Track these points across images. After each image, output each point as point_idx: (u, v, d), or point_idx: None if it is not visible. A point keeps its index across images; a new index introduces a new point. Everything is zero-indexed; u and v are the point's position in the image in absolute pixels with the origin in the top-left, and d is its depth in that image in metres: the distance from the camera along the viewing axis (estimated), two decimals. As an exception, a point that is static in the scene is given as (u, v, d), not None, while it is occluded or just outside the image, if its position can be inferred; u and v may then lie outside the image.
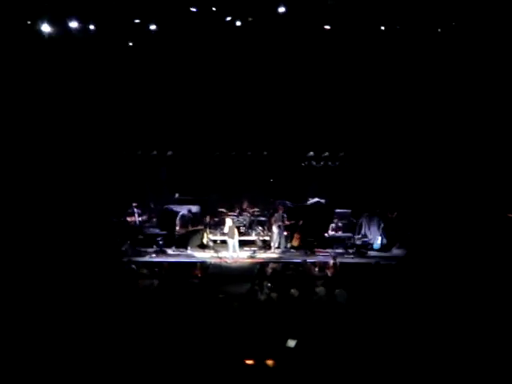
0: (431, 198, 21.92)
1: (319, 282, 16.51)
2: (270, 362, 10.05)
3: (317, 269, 18.27)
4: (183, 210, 22.16)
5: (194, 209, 22.80)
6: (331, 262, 18.55)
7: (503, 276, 16.00)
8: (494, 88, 21.07)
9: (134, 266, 18.09)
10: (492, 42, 20.04)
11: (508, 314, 13.13)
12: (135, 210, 21.56)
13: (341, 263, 18.57)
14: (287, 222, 21.61)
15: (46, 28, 19.27)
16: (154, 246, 21.24)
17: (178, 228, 21.74)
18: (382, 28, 20.30)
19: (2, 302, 13.34)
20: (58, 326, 12.13)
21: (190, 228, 21.73)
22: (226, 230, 20.80)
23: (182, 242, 21.65)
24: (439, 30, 20.19)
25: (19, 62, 20.06)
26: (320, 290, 15.52)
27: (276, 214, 21.69)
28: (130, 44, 21.32)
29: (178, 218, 21.88)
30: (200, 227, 21.89)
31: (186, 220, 21.86)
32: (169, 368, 10.21)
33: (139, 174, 23.82)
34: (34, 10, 19.17)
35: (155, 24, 20.29)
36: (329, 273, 18.01)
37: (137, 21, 20.06)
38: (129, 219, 21.50)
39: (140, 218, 21.68)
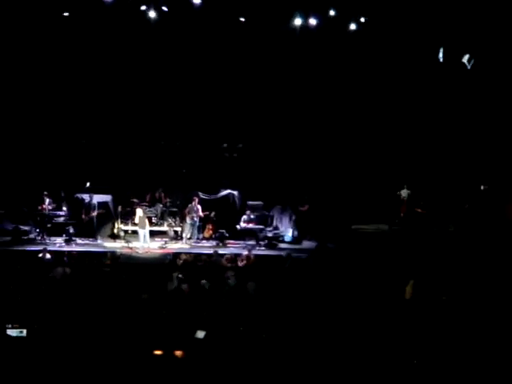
0: (341, 192, 22.40)
1: (230, 273, 16.62)
2: (178, 353, 10.05)
3: (227, 261, 18.35)
4: (89, 198, 21.83)
5: (106, 198, 22.53)
6: (245, 253, 18.65)
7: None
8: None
9: (48, 255, 17.88)
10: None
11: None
12: (46, 198, 21.16)
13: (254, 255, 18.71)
14: (201, 214, 21.59)
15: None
16: (64, 235, 20.92)
17: (83, 216, 21.43)
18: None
19: None
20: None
21: (94, 214, 21.41)
22: (136, 220, 20.63)
23: (91, 231, 21.40)
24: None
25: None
26: (231, 281, 15.63)
27: (190, 205, 21.64)
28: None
29: (82, 207, 21.60)
30: (101, 211, 21.64)
31: (88, 207, 21.55)
32: (77, 358, 10.09)
33: (52, 161, 23.36)
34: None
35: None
36: (240, 264, 18.12)
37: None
38: (39, 207, 21.09)
39: (50, 206, 21.28)
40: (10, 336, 11.07)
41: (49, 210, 21.21)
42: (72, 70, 22.58)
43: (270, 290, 14.88)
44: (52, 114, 22.94)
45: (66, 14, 20.76)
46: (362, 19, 21.43)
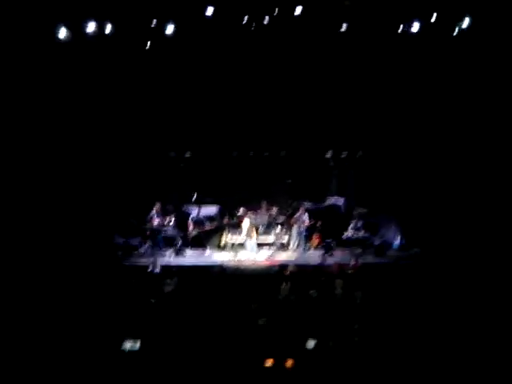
0: (447, 197, 21.84)
1: (338, 282, 16.47)
2: (289, 362, 10.03)
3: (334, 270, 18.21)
4: (196, 211, 22.10)
5: (213, 210, 22.81)
6: (352, 262, 18.47)
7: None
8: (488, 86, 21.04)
9: (158, 269, 18.22)
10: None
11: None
12: (155, 211, 21.55)
13: (361, 263, 18.50)
14: (308, 223, 21.53)
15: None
16: (173, 248, 21.26)
17: (190, 229, 21.70)
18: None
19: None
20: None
21: (204, 228, 21.69)
22: (244, 230, 20.76)
23: (200, 243, 21.67)
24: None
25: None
26: (339, 291, 15.49)
27: (296, 215, 21.63)
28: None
29: (189, 220, 21.86)
30: (212, 225, 21.86)
31: (198, 221, 21.81)
32: (188, 370, 10.23)
33: (158, 175, 23.83)
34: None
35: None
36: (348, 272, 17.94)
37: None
38: (152, 221, 21.49)
39: (159, 220, 21.66)
40: (124, 350, 11.33)
41: (158, 223, 21.59)
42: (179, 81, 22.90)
43: (377, 298, 14.68)
44: (155, 128, 23.32)
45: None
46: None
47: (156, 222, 21.45)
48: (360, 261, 18.69)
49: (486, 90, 21.01)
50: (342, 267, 18.35)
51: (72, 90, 21.07)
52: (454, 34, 20.59)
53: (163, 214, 21.78)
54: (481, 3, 19.83)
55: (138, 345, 11.51)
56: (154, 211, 21.48)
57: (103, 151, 22.13)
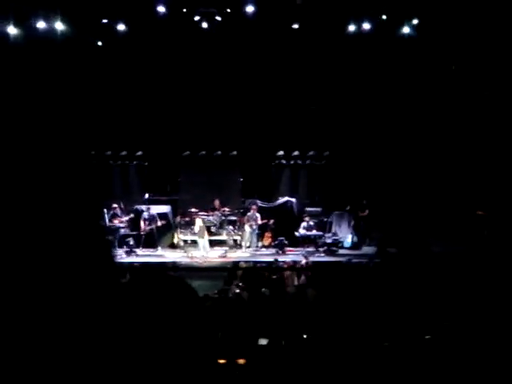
0: (401, 196, 22.09)
1: (290, 280, 16.56)
2: (241, 361, 10.06)
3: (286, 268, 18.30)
4: (147, 209, 22.05)
5: (165, 209, 22.78)
6: (303, 260, 18.60)
7: (474, 273, 16.19)
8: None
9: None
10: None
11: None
12: (118, 211, 21.47)
13: (312, 262, 18.62)
14: (260, 222, 21.64)
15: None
16: (124, 247, 21.18)
17: (142, 227, 21.66)
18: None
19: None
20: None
21: (156, 224, 21.65)
22: (196, 229, 20.78)
23: (151, 242, 21.63)
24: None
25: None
26: (290, 288, 15.57)
27: (248, 214, 21.72)
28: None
29: (141, 218, 21.81)
30: (163, 222, 21.83)
31: (149, 218, 21.76)
32: (142, 367, 10.18)
33: (109, 174, 23.71)
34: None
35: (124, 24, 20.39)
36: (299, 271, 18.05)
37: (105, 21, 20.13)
38: (115, 221, 21.40)
39: (126, 218, 21.61)
40: None
41: (125, 221, 21.52)
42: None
43: (330, 296, 14.79)
44: (107, 127, 23.14)
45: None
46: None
47: (116, 221, 21.33)
48: (312, 259, 18.82)
49: (446, 85, 21.42)
50: (294, 265, 18.47)
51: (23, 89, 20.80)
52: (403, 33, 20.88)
53: (122, 213, 21.65)
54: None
55: None
56: (114, 211, 21.38)
57: (52, 151, 21.86)
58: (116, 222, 21.29)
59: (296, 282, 16.40)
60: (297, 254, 20.69)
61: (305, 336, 11.56)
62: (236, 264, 18.86)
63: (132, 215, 21.70)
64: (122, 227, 21.43)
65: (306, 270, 18.07)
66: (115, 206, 21.45)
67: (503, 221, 19.85)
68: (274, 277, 16.61)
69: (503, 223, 19.70)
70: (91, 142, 23.17)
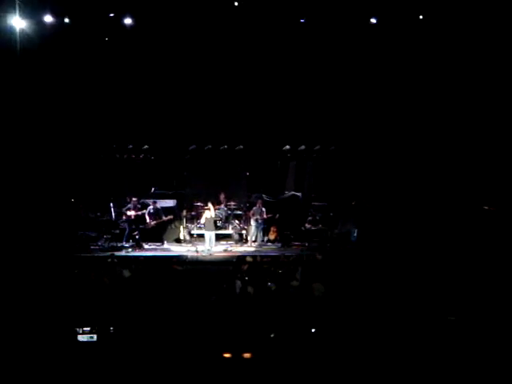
0: (407, 191, 22.08)
1: (297, 275, 16.56)
2: (247, 355, 10.08)
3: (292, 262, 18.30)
4: (153, 204, 22.04)
5: (171, 203, 22.80)
6: (310, 254, 18.59)
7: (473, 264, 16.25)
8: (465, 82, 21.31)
9: (115, 259, 18.09)
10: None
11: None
12: (132, 204, 21.53)
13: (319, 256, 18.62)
14: (265, 216, 21.63)
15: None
16: (131, 241, 21.21)
17: (148, 221, 21.67)
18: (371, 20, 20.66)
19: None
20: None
21: (160, 220, 21.67)
22: (202, 220, 20.80)
23: (157, 236, 21.65)
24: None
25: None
26: (294, 283, 15.57)
27: (254, 208, 21.72)
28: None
29: (146, 212, 21.80)
30: (169, 217, 21.86)
31: (154, 213, 21.76)
32: (146, 361, 10.22)
33: (116, 168, 23.74)
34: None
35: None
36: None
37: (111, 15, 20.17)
38: (128, 213, 21.43)
39: (137, 213, 21.58)
40: (80, 341, 11.29)
41: (139, 214, 21.55)
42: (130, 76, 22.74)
43: (336, 290, 14.80)
44: (113, 121, 23.14)
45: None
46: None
47: (132, 212, 21.35)
48: (318, 253, 18.80)
49: (438, 82, 21.39)
50: (299, 259, 18.46)
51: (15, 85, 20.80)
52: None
53: (137, 207, 21.64)
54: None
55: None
56: (130, 204, 21.42)
57: (60, 145, 21.92)
58: (131, 214, 21.29)
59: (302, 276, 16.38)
60: (303, 248, 20.72)
61: (313, 330, 11.61)
62: (242, 258, 18.87)
63: (145, 210, 21.68)
64: (134, 221, 21.44)
65: (311, 263, 18.10)
66: (135, 199, 21.48)
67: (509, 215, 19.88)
68: (280, 271, 16.63)
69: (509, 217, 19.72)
70: (97, 137, 23.16)
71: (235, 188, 23.55)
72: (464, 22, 20.24)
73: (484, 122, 21.16)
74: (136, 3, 20.40)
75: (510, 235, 18.60)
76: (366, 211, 22.09)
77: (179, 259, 18.90)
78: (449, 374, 10.17)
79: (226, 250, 20.90)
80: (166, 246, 21.44)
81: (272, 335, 10.76)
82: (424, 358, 10.54)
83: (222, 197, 22.67)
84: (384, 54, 21.88)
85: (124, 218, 21.52)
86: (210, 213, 20.77)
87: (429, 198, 21.38)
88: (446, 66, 21.43)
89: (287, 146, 24.47)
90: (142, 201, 22.30)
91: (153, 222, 21.57)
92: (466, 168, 21.34)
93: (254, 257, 18.79)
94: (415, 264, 17.15)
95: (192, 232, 22.05)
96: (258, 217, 21.53)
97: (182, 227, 22.11)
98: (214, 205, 21.35)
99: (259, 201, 21.89)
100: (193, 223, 22.16)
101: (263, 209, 21.66)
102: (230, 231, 22.32)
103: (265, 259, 18.29)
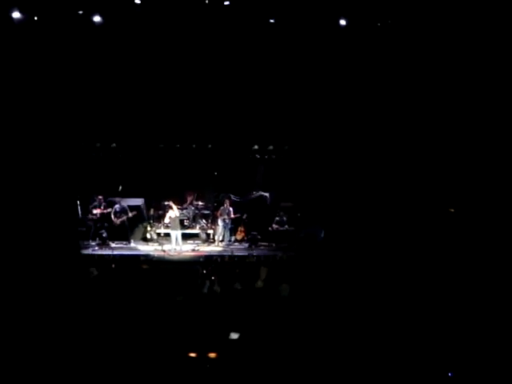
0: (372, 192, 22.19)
1: (262, 275, 16.61)
2: (212, 355, 10.09)
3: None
4: (118, 202, 21.94)
5: (138, 201, 22.71)
6: (276, 254, 18.68)
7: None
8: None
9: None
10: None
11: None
12: (101, 202, 21.47)
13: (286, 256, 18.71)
14: (233, 216, 21.65)
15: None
16: (97, 239, 21.11)
17: (114, 220, 21.57)
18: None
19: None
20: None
21: (125, 218, 21.58)
22: (166, 220, 20.76)
23: (124, 235, 21.57)
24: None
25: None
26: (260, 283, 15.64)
27: (222, 208, 21.73)
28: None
29: (112, 211, 21.68)
30: (134, 213, 21.78)
31: (120, 211, 21.67)
32: (113, 360, 10.19)
33: (83, 166, 23.53)
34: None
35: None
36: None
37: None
38: (94, 211, 21.30)
39: (106, 210, 21.52)
40: None
41: (105, 212, 21.42)
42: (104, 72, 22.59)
43: (302, 291, 14.88)
44: (82, 118, 22.94)
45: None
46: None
47: (98, 211, 21.27)
48: (284, 253, 18.89)
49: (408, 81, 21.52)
50: (266, 259, 18.54)
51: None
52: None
53: (104, 205, 21.53)
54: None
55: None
56: (96, 202, 21.33)
57: (26, 143, 21.71)
58: (97, 212, 21.20)
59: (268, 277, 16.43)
60: (270, 249, 20.77)
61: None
62: (209, 258, 18.88)
63: (111, 209, 21.58)
64: (100, 219, 21.30)
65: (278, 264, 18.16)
66: (100, 197, 21.39)
67: (474, 218, 20.08)
68: (247, 271, 16.69)
69: (474, 220, 19.92)
70: (65, 135, 22.93)
71: (203, 187, 23.50)
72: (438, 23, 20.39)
73: (448, 122, 21.34)
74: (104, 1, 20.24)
75: (471, 237, 18.83)
76: (332, 212, 22.19)
77: (146, 258, 18.88)
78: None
79: (193, 250, 20.87)
80: (132, 244, 21.34)
81: (234, 336, 10.78)
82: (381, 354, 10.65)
83: (188, 196, 22.62)
84: (349, 56, 21.96)
85: (90, 216, 21.41)
86: (173, 212, 20.74)
87: (395, 198, 21.53)
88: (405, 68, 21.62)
89: (256, 146, 24.47)
90: (108, 199, 22.17)
91: (118, 220, 21.47)
92: (431, 167, 21.49)
93: (221, 256, 18.86)
94: (381, 264, 17.31)
95: (158, 231, 22.00)
96: (226, 216, 21.55)
97: (148, 226, 22.04)
98: (175, 204, 21.28)
99: (227, 200, 21.90)
100: (159, 222, 22.10)
101: (231, 208, 21.68)
102: (197, 231, 22.29)
103: (232, 259, 18.36)
